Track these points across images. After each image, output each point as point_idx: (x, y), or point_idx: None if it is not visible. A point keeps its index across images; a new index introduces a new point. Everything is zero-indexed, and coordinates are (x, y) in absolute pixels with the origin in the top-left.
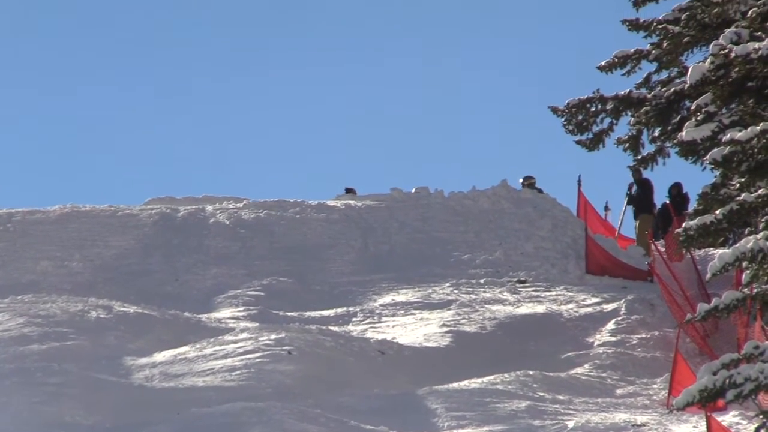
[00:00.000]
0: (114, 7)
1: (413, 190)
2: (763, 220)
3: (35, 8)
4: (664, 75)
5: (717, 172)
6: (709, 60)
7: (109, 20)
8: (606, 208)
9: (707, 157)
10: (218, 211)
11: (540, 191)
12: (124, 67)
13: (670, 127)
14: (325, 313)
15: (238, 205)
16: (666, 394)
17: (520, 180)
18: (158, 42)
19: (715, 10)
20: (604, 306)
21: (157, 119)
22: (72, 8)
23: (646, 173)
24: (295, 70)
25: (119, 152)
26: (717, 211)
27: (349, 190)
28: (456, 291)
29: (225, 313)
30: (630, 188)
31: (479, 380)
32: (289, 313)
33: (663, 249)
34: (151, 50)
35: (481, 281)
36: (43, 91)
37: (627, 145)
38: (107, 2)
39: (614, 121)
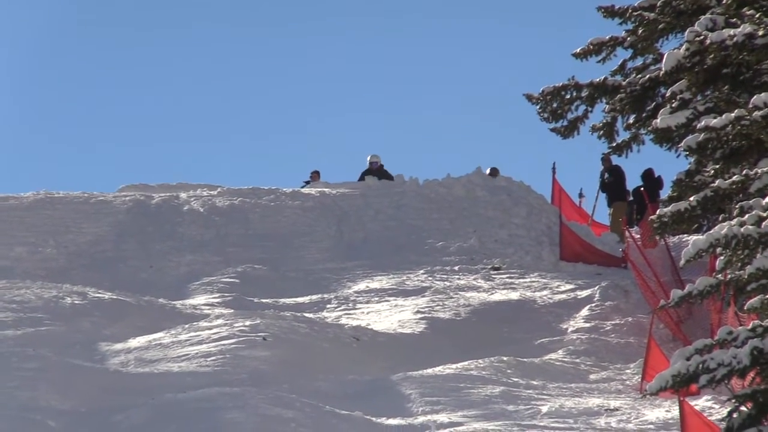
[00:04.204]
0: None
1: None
2: (737, 206)
3: None
4: (639, 62)
5: (691, 159)
6: (684, 47)
7: (83, 10)
8: (580, 195)
9: (682, 143)
10: (192, 199)
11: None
12: (99, 52)
13: (644, 114)
14: (300, 299)
15: (212, 192)
16: (639, 379)
17: (487, 171)
18: (134, 28)
19: None
20: (578, 292)
21: (131, 106)
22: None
23: (620, 160)
24: (268, 57)
25: (92, 138)
26: (691, 198)
27: (314, 173)
28: (430, 278)
29: (200, 300)
30: (603, 175)
31: (453, 366)
32: (263, 300)
33: (638, 236)
34: (126, 37)
35: (456, 268)
36: (15, 76)
37: (602, 132)
38: None
39: (589, 109)
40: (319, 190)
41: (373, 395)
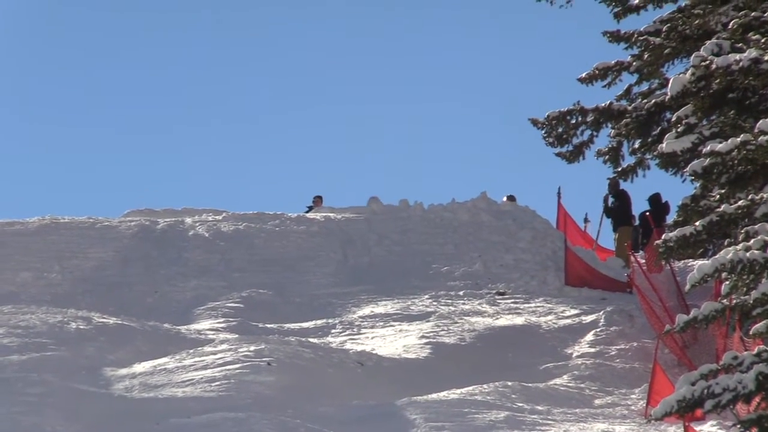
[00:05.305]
0: (86, 22)
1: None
2: (742, 231)
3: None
4: (644, 87)
5: (697, 184)
6: (689, 71)
7: (83, 33)
8: (585, 220)
9: (687, 168)
10: (197, 224)
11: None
12: (102, 78)
13: (650, 139)
14: (305, 324)
15: (217, 217)
16: (644, 405)
17: (504, 199)
18: (136, 53)
19: (696, 22)
20: (583, 317)
21: (135, 131)
22: (44, 22)
23: (626, 185)
24: (273, 83)
25: (98, 164)
26: (697, 223)
27: (317, 198)
28: (435, 303)
29: (204, 325)
30: (606, 200)
31: (458, 391)
32: (268, 325)
33: (643, 260)
34: (130, 61)
35: (461, 293)
36: (20, 101)
37: (607, 157)
38: (79, 17)
39: (594, 133)
40: (324, 214)
41: (378, 420)
